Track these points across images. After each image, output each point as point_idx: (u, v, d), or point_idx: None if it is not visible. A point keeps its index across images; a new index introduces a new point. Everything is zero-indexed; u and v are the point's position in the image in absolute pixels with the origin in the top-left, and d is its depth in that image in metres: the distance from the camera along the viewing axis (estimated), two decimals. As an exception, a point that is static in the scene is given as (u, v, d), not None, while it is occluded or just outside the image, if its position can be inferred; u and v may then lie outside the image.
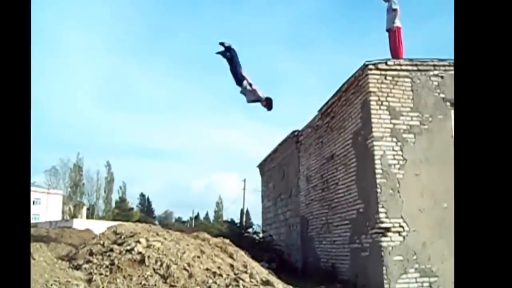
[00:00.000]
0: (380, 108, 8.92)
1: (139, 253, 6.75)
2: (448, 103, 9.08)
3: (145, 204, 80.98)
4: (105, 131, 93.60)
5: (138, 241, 7.27)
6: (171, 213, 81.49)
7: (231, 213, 77.55)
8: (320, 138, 11.78)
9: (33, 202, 58.82)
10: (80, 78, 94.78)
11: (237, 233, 14.36)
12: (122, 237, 7.60)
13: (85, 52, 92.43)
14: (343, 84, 10.12)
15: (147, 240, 7.46)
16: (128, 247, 6.92)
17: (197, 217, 73.77)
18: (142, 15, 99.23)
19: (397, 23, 10.31)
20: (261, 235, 16.39)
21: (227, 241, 8.66)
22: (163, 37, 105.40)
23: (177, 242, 7.74)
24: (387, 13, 10.51)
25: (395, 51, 10.06)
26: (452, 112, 9.03)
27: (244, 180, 43.99)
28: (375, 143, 8.72)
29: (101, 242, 7.47)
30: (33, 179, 63.11)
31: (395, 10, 10.34)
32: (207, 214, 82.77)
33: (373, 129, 8.79)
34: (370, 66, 9.05)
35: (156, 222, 61.93)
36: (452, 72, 9.07)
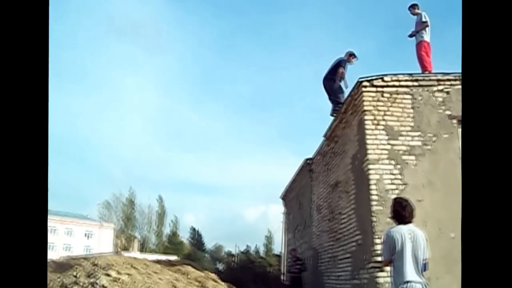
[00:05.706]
0: (376, 128, 8.11)
1: (103, 286, 6.75)
2: (454, 121, 8.08)
3: (195, 237, 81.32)
4: (158, 166, 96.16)
5: (107, 274, 7.35)
6: (221, 247, 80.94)
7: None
8: (326, 164, 10.98)
9: (85, 234, 61.09)
10: (136, 117, 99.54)
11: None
12: (96, 269, 7.48)
13: (141, 90, 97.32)
14: (342, 105, 9.41)
15: (118, 273, 7.48)
16: (92, 280, 6.93)
17: (248, 251, 72.80)
18: (196, 59, 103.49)
19: (426, 37, 9.79)
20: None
21: (213, 275, 8.26)
22: (216, 77, 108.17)
23: (149, 276, 7.59)
24: (415, 26, 10.03)
25: (423, 65, 9.54)
26: (459, 130, 8.00)
27: (283, 213, 42.94)
28: (370, 166, 7.87)
29: (74, 273, 7.35)
30: (86, 212, 66.06)
31: (424, 23, 9.80)
32: (256, 247, 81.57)
33: (368, 151, 7.96)
34: (365, 83, 8.33)
35: (206, 255, 61.94)
36: (459, 87, 8.14)
